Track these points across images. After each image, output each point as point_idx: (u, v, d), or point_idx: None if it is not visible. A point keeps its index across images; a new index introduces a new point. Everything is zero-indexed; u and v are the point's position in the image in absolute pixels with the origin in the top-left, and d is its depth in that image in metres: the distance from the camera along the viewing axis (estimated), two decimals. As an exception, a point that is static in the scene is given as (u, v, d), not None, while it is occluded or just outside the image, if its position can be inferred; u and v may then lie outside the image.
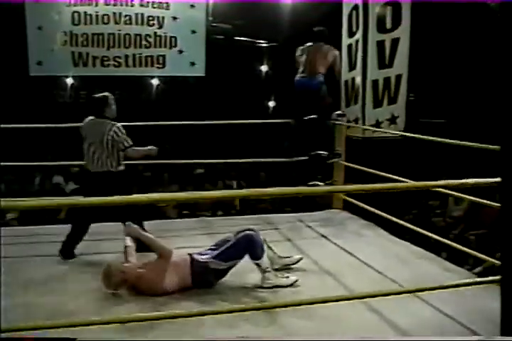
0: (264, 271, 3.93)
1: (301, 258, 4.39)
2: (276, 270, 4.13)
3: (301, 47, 6.25)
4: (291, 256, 4.41)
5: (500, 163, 2.72)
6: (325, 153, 6.27)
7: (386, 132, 6.14)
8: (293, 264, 4.35)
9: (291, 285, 3.96)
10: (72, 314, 3.41)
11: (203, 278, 3.91)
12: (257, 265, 3.95)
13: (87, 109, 4.85)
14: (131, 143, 4.66)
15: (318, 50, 6.09)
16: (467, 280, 3.67)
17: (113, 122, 4.68)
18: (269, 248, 4.17)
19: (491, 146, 3.60)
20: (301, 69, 6.15)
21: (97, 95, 4.85)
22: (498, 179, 2.83)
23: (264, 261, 3.95)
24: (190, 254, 4.00)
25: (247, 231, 4.04)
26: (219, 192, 3.42)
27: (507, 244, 2.74)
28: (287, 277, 4.02)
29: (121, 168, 4.74)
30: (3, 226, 5.86)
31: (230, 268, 3.97)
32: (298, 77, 6.15)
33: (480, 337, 3.22)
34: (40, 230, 5.41)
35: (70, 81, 14.08)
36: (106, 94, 4.84)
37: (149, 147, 4.85)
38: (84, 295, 3.78)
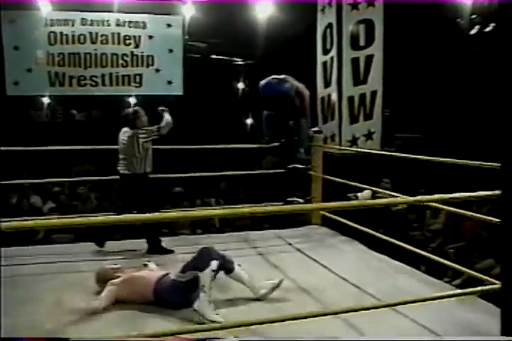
0: (201, 290, 3.68)
1: (282, 280, 4.06)
2: (262, 298, 3.97)
3: None
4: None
5: (501, 178, 2.79)
6: (303, 166, 6.34)
7: (363, 148, 6.20)
8: (277, 286, 4.02)
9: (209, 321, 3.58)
10: (50, 334, 3.37)
11: (166, 295, 3.85)
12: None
13: (122, 121, 5.44)
14: (155, 127, 5.30)
15: None
16: (447, 293, 3.70)
17: (135, 130, 5.28)
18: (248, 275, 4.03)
19: (491, 164, 3.65)
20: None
21: (128, 110, 5.47)
22: (498, 192, 2.90)
23: (204, 275, 3.72)
24: (167, 273, 4.01)
25: (207, 246, 4.07)
26: (198, 212, 3.42)
27: (507, 257, 2.79)
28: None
29: (149, 170, 5.35)
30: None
31: (192, 283, 3.77)
32: (266, 79, 6.16)
33: (480, 337, 3.25)
34: (18, 251, 5.34)
35: (46, 100, 14.05)
36: (137, 108, 5.49)
37: (163, 109, 5.53)
38: (62, 315, 3.73)
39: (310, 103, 6.29)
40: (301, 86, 6.17)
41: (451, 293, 3.72)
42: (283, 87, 6.03)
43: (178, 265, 4.14)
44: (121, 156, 5.36)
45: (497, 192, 2.99)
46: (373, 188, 6.26)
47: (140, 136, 5.26)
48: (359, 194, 6.67)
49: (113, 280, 4.00)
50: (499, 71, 2.74)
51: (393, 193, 5.46)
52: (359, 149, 6.18)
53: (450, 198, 3.60)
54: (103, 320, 3.70)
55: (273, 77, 6.14)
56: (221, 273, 3.95)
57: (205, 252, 3.93)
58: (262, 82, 6.17)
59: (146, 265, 4.44)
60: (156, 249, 5.28)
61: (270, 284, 4.04)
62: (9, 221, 2.63)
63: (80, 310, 3.80)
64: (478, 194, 3.31)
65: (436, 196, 3.72)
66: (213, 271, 3.76)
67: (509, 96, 2.70)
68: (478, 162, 3.97)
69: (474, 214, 4.53)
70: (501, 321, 2.83)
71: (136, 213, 5.21)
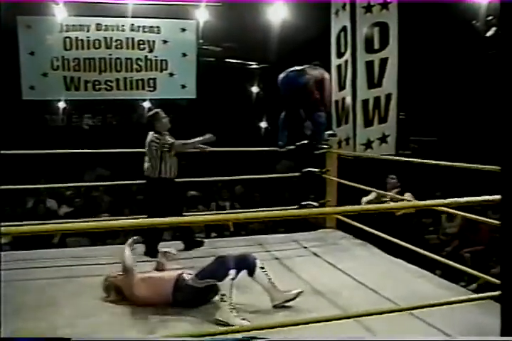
0: (221, 299, 3.75)
1: (300, 292, 4.01)
2: (275, 307, 3.95)
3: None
4: (289, 291, 4.01)
5: (501, 182, 2.75)
6: (317, 170, 6.35)
7: (377, 151, 6.17)
8: (292, 299, 3.99)
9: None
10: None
11: (184, 296, 3.92)
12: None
13: (147, 125, 5.47)
14: (172, 140, 5.23)
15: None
16: (463, 297, 3.66)
17: (153, 132, 5.31)
18: (270, 280, 4.01)
19: (490, 167, 3.62)
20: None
21: (149, 113, 5.56)
22: (498, 197, 2.85)
23: (223, 285, 3.77)
24: (181, 273, 4.04)
25: (223, 255, 4.01)
26: (212, 217, 3.45)
27: (507, 262, 2.75)
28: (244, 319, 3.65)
29: (165, 175, 5.27)
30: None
31: (210, 289, 3.90)
32: (285, 72, 6.17)
33: (480, 337, 3.21)
34: (34, 255, 5.38)
35: (62, 105, 14.15)
36: (156, 110, 5.48)
37: (199, 138, 5.40)
38: (77, 320, 3.75)
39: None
40: (319, 73, 6.16)
41: (466, 297, 3.67)
42: (301, 80, 6.02)
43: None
44: (145, 158, 5.41)
45: (497, 197, 2.94)
46: (384, 192, 6.25)
47: (152, 143, 5.27)
48: (364, 198, 6.68)
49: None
50: (499, 71, 2.71)
51: (401, 197, 5.46)
52: (361, 154, 6.15)
53: (449, 203, 3.57)
54: (121, 323, 3.72)
55: (292, 69, 6.14)
56: (244, 273, 3.97)
57: (222, 261, 3.91)
58: (281, 75, 6.17)
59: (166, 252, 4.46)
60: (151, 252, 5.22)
61: (287, 296, 3.99)
62: (24, 225, 2.64)
63: (96, 313, 3.82)
64: (477, 199, 3.26)
65: (436, 201, 3.70)
66: (232, 279, 3.78)
67: (509, 97, 2.66)
68: (476, 165, 3.98)
69: (479, 218, 4.49)
70: (501, 321, 2.80)
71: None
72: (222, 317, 3.65)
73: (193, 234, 5.69)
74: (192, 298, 3.93)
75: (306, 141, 6.31)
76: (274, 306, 3.95)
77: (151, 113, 5.51)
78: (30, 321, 3.70)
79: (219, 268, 3.85)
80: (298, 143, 6.35)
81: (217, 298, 3.84)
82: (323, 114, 6.20)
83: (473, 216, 4.51)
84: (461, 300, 3.55)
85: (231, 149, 6.83)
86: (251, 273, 4.00)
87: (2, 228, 2.42)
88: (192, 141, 5.39)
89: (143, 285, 3.98)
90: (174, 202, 5.42)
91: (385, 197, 6.57)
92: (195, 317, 3.80)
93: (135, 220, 3.05)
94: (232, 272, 3.81)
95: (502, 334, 2.79)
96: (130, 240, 4.26)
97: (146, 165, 5.33)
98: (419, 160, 5.14)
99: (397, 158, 5.78)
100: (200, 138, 5.42)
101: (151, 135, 5.32)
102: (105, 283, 4.19)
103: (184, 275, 4.01)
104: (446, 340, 3.45)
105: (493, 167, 3.51)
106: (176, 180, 5.51)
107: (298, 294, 4.00)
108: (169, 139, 5.28)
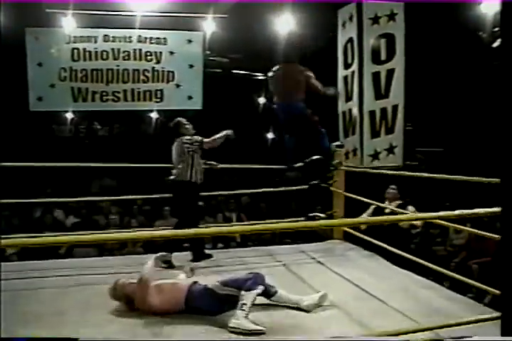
0: (240, 307, 3.76)
1: (325, 294, 4.20)
2: (308, 311, 4.04)
3: (271, 72, 6.27)
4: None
5: (501, 194, 2.73)
6: (326, 184, 6.35)
7: (384, 163, 6.16)
8: (319, 301, 4.15)
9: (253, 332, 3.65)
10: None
11: (199, 301, 3.91)
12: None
13: (171, 134, 5.69)
14: (199, 139, 5.54)
15: (288, 75, 6.09)
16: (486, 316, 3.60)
17: (180, 138, 5.54)
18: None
19: (491, 179, 3.62)
20: (275, 98, 6.17)
21: (171, 123, 5.74)
22: (498, 209, 2.84)
23: (247, 297, 3.77)
24: (197, 281, 4.07)
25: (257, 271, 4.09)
26: (220, 229, 3.47)
27: (507, 274, 2.74)
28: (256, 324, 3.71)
29: (194, 180, 5.47)
30: (3, 261, 5.84)
31: (230, 298, 3.86)
32: (276, 105, 6.18)
33: (481, 337, 3.18)
34: (41, 265, 5.38)
35: (69, 116, 14.23)
36: (177, 119, 5.73)
37: (223, 132, 5.75)
38: (84, 329, 3.73)
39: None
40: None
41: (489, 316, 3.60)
42: (295, 108, 6.02)
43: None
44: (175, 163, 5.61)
45: (496, 209, 2.93)
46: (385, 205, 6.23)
47: (185, 145, 5.49)
48: (364, 214, 6.64)
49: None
50: (499, 75, 2.69)
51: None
52: (378, 171, 6.14)
53: (451, 215, 3.57)
54: (131, 333, 3.70)
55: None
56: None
57: (255, 276, 3.93)
58: (275, 105, 6.19)
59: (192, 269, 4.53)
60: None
61: (314, 298, 4.12)
62: (31, 236, 2.65)
63: (105, 323, 3.81)
64: (480, 211, 3.24)
65: (436, 213, 3.69)
66: (258, 294, 3.84)
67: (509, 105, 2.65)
68: (473, 177, 3.99)
69: (470, 230, 4.46)
70: (501, 322, 2.78)
71: (177, 221, 5.58)
72: (236, 324, 3.67)
73: (204, 246, 5.70)
74: (208, 304, 3.89)
75: (314, 157, 6.28)
76: (307, 311, 4.04)
77: (173, 122, 5.72)
78: (38, 330, 3.68)
79: (250, 280, 3.87)
80: (307, 160, 6.32)
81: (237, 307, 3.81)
82: (325, 135, 6.23)
83: (476, 231, 4.50)
84: (484, 318, 3.49)
85: (242, 166, 6.82)
86: (272, 295, 4.08)
87: (2, 241, 2.42)
88: (216, 136, 5.68)
89: (156, 293, 3.98)
90: (197, 207, 5.69)
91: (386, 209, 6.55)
92: (208, 325, 3.79)
93: (170, 231, 3.08)
94: (261, 287, 3.87)
95: (503, 334, 2.77)
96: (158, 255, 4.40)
97: (176, 170, 5.52)
98: (417, 174, 5.13)
99: (398, 172, 5.77)
100: (222, 134, 5.72)
101: (179, 139, 5.54)
102: (114, 291, 4.15)
103: (200, 282, 4.03)
104: (447, 340, 3.42)
105: (494, 179, 3.50)
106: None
107: (323, 297, 4.14)
108: (199, 137, 5.57)
